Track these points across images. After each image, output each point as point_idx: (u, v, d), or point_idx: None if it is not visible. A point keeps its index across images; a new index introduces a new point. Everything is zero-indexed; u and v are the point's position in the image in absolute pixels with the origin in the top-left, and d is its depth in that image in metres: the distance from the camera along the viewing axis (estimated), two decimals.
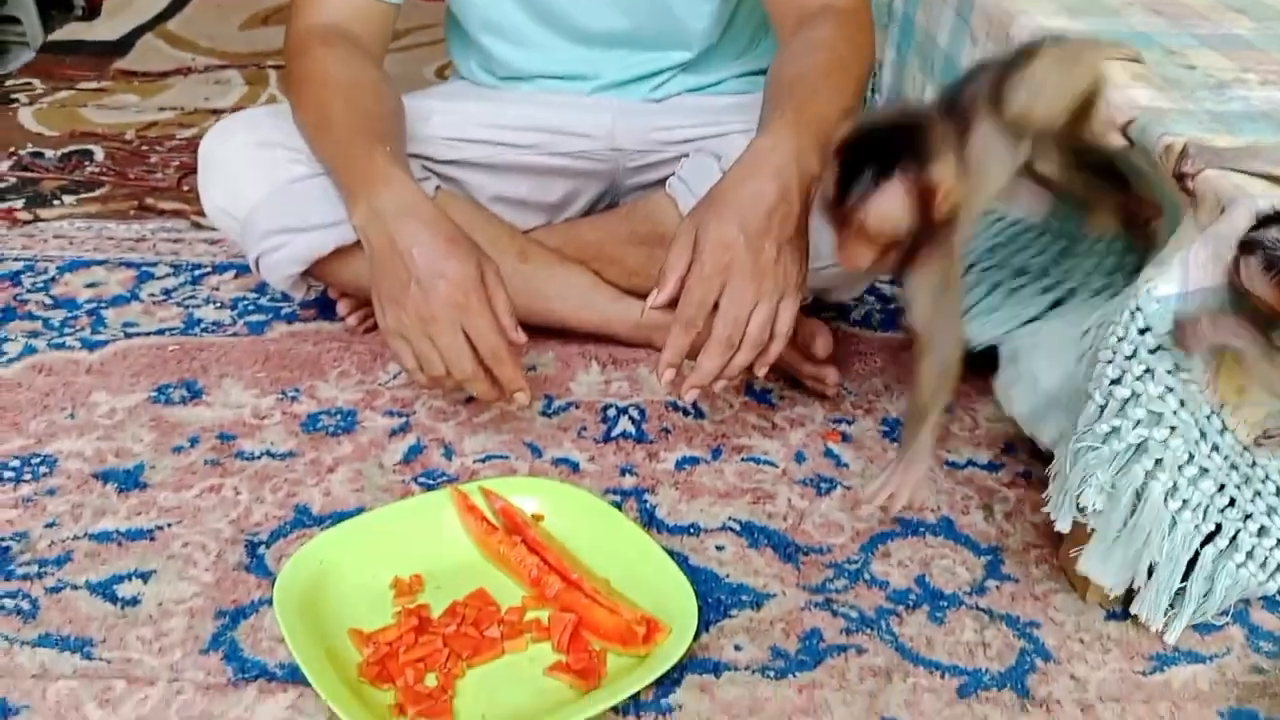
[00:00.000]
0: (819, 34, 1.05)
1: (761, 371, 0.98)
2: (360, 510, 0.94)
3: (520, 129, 1.19)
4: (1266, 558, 0.82)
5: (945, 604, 0.89)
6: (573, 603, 0.83)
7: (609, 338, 1.21)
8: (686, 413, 1.12)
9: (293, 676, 0.78)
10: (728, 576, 0.90)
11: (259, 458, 1.01)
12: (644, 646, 0.80)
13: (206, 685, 0.77)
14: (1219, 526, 0.80)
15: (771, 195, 0.92)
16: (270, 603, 0.84)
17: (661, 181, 1.22)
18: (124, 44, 2.15)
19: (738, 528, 0.95)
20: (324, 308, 1.27)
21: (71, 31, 2.21)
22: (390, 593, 0.85)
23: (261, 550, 0.90)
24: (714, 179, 1.07)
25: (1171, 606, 0.83)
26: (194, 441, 1.03)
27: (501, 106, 1.21)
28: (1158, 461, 0.77)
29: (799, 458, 1.05)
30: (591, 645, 0.80)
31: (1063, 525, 0.83)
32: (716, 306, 0.93)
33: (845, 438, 1.08)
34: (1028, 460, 1.05)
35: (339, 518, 0.94)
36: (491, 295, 0.97)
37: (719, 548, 0.93)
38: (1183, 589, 0.82)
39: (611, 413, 1.11)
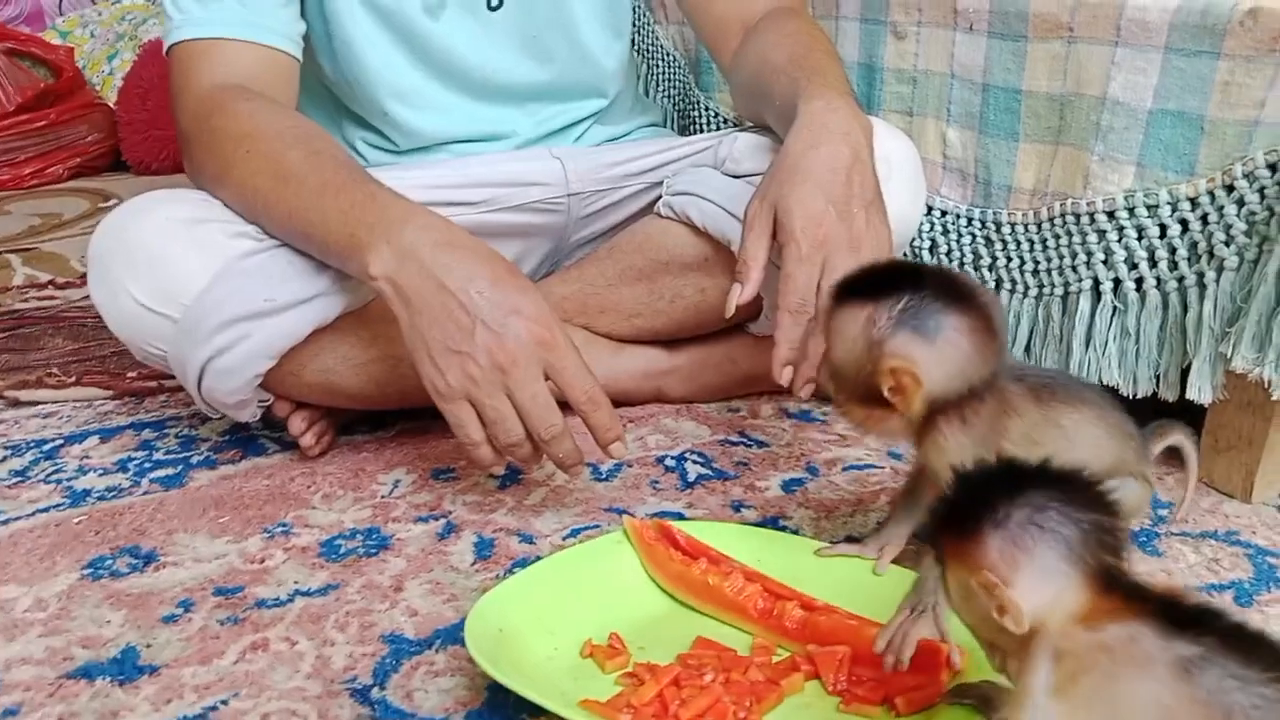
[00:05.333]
0: (787, 25, 1.01)
1: None
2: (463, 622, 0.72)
3: (469, 185, 1.04)
4: None
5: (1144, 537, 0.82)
6: (827, 632, 0.66)
7: (613, 398, 1.06)
8: (747, 445, 0.99)
9: None
10: None
11: (290, 600, 0.75)
12: (946, 671, 0.63)
13: None
14: None
15: (846, 156, 0.84)
16: None
17: (611, 231, 1.12)
18: None
19: None
20: (247, 445, 1.01)
21: None
22: (586, 661, 0.65)
23: (377, 693, 0.65)
24: (724, 183, 0.99)
25: None
26: (186, 605, 0.75)
27: (439, 167, 1.05)
28: None
29: (895, 455, 0.95)
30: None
31: None
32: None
33: None
34: None
35: (447, 636, 0.71)
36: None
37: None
38: None
39: (670, 462, 0.95)
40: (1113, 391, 0.75)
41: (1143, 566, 0.77)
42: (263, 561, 0.81)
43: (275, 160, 0.85)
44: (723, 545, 0.74)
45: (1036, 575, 0.44)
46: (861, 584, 0.71)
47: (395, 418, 1.04)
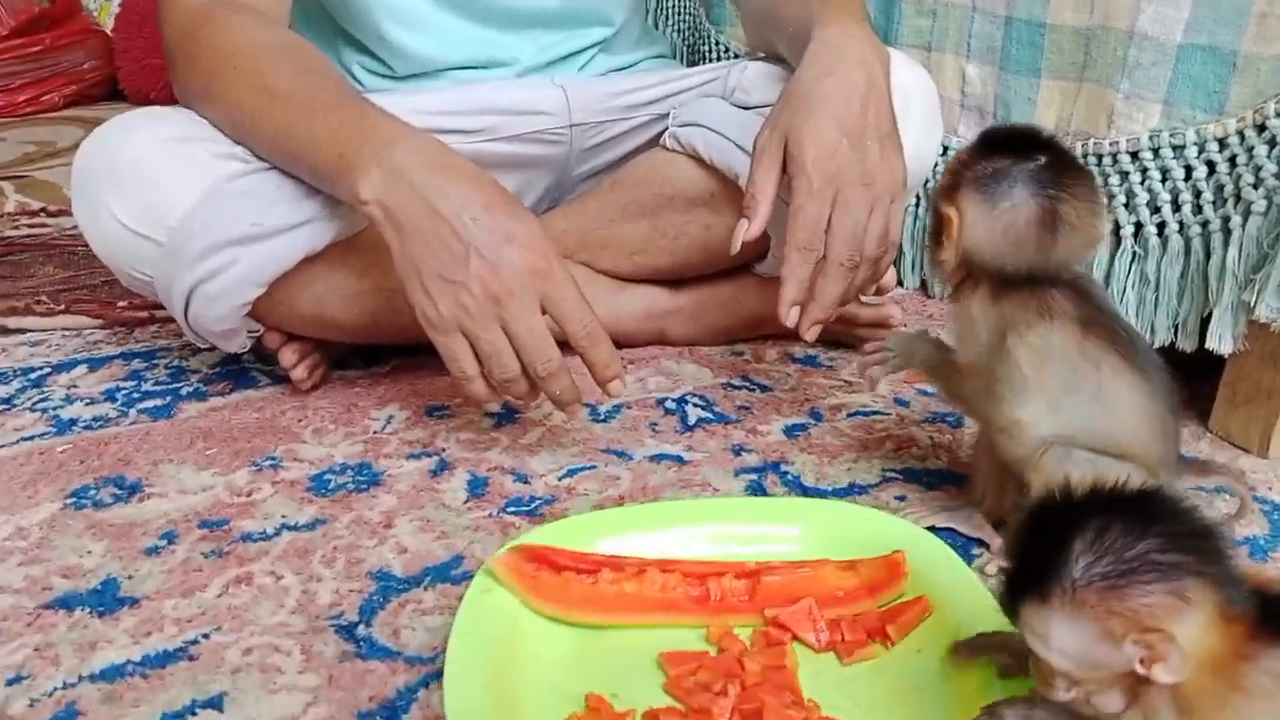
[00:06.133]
0: None
1: (870, 291, 0.86)
2: (460, 559, 0.70)
3: (469, 112, 1.00)
4: None
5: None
6: (778, 591, 0.62)
7: (614, 339, 1.03)
8: (750, 389, 0.96)
9: None
10: None
11: (276, 534, 0.73)
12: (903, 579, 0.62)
13: None
14: None
15: (861, 85, 0.80)
16: (426, 684, 0.58)
17: (615, 165, 1.08)
18: None
19: (902, 475, 0.81)
20: (238, 377, 0.99)
21: None
22: None
23: (363, 630, 0.63)
24: (732, 114, 0.96)
25: None
26: (170, 537, 0.73)
27: (442, 92, 1.01)
28: None
29: (902, 403, 0.93)
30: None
31: None
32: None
33: None
34: None
35: (437, 574, 0.69)
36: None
37: (900, 498, 0.78)
38: None
39: (671, 405, 0.93)
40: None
41: None
42: (249, 495, 0.78)
43: (263, 76, 0.81)
44: (599, 538, 0.65)
45: (1191, 622, 0.41)
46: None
47: (390, 354, 1.02)
